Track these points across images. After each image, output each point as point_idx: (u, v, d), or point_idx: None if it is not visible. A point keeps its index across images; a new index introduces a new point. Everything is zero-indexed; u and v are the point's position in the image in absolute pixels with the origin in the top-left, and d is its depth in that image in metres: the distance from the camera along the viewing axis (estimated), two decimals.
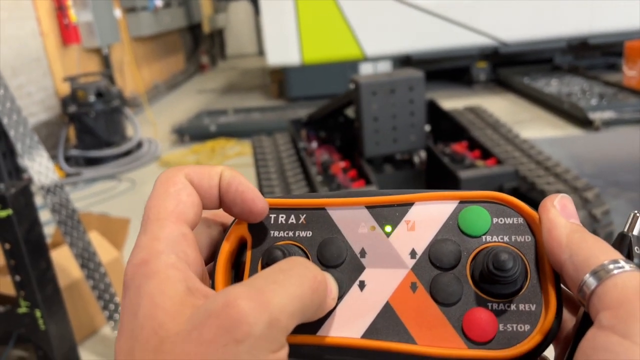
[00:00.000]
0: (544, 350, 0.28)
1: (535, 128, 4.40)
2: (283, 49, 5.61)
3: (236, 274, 0.34)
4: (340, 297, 0.31)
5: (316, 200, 0.33)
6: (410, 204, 0.32)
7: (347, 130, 3.00)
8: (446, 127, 2.95)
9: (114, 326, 2.00)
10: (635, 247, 0.28)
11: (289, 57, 5.65)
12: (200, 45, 9.94)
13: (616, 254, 0.26)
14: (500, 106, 5.23)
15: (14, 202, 1.54)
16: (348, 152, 2.86)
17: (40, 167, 1.83)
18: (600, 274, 0.25)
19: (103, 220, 2.57)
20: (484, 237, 0.31)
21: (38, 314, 1.65)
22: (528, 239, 0.30)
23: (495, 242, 0.30)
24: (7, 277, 1.94)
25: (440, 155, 2.58)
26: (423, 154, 2.79)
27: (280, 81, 6.38)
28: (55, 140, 4.71)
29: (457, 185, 2.40)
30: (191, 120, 5.36)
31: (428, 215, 0.32)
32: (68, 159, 4.54)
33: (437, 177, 2.66)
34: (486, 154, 2.59)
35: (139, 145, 4.83)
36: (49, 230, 2.89)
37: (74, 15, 5.14)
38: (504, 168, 2.43)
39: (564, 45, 5.60)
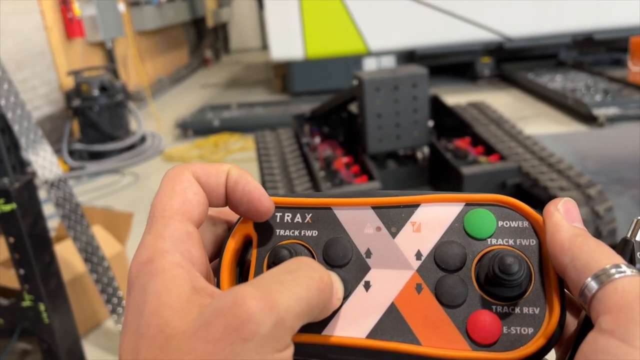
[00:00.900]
0: (547, 354, 0.29)
1: (539, 124, 4.39)
2: (287, 43, 5.60)
3: (241, 272, 0.34)
4: (345, 297, 0.31)
5: (322, 200, 0.33)
6: (417, 206, 0.32)
7: (350, 126, 3.00)
8: (449, 122, 2.95)
9: (117, 319, 2.01)
10: (638, 253, 0.28)
11: (292, 52, 5.65)
12: (204, 39, 9.93)
13: (618, 259, 0.26)
14: (504, 102, 5.21)
15: (18, 196, 1.54)
16: (351, 147, 2.86)
17: (44, 162, 1.84)
18: (602, 277, 0.26)
19: (106, 215, 2.59)
20: (489, 239, 0.31)
21: (42, 307, 1.66)
22: (533, 242, 0.30)
23: (500, 245, 0.31)
24: (11, 271, 1.95)
25: (443, 151, 2.58)
26: (426, 149, 2.79)
27: (284, 76, 6.38)
28: (59, 134, 4.73)
29: (460, 181, 2.40)
30: (194, 114, 5.36)
31: (434, 217, 0.32)
32: (72, 153, 4.55)
33: (440, 173, 2.65)
34: (489, 150, 2.59)
35: (143, 139, 4.84)
36: (53, 224, 2.90)
37: (77, 9, 5.15)
38: (507, 164, 2.42)
39: (568, 40, 5.57)
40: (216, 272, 0.32)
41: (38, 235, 1.63)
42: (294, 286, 0.26)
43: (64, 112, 4.91)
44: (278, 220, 0.34)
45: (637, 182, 2.79)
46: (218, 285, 0.32)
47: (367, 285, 0.31)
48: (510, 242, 0.30)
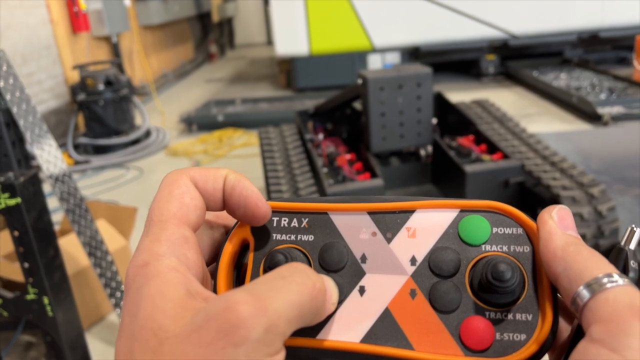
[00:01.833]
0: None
1: (544, 122, 4.38)
2: (292, 39, 5.59)
3: (238, 275, 0.34)
4: (340, 302, 0.31)
5: (319, 205, 0.34)
6: (412, 212, 0.32)
7: (354, 123, 3.01)
8: (453, 120, 2.95)
9: (120, 313, 2.02)
10: (631, 261, 0.28)
11: (297, 48, 5.64)
12: (209, 34, 9.93)
13: (611, 268, 0.26)
14: (508, 99, 5.21)
15: (23, 190, 1.56)
16: (354, 144, 2.86)
17: (49, 156, 1.85)
18: (594, 287, 0.26)
19: (111, 209, 2.60)
20: (483, 246, 0.31)
21: (46, 300, 1.68)
22: (527, 249, 0.30)
23: (494, 251, 0.31)
24: (16, 264, 1.97)
25: (446, 149, 2.58)
26: (429, 147, 2.79)
27: (288, 71, 6.38)
28: (65, 128, 4.75)
29: (463, 179, 2.40)
30: (199, 109, 5.37)
31: (429, 223, 0.32)
32: (77, 147, 4.57)
33: (443, 170, 2.66)
34: (493, 148, 2.59)
35: (147, 134, 4.85)
36: (57, 217, 2.92)
37: (83, 3, 5.16)
38: (509, 162, 2.42)
39: (574, 38, 5.55)
40: (213, 275, 0.33)
41: (42, 229, 1.64)
42: (287, 292, 0.26)
43: (69, 106, 4.93)
44: (275, 224, 0.34)
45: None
46: (215, 289, 0.32)
47: (362, 290, 0.31)
48: (504, 248, 0.31)
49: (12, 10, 4.30)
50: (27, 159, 1.89)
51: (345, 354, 0.30)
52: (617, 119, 4.08)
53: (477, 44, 5.66)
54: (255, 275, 0.33)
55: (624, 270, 0.28)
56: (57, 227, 2.37)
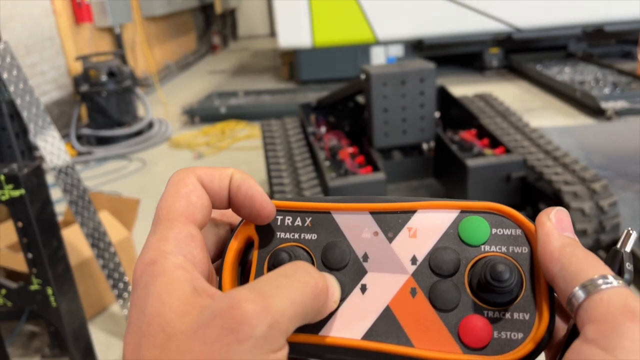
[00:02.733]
0: (535, 358, 0.29)
1: (547, 116, 4.37)
2: (295, 31, 5.58)
3: (242, 272, 0.35)
4: (342, 300, 0.32)
5: (322, 204, 0.34)
6: (413, 212, 0.33)
7: (357, 116, 3.00)
8: (456, 114, 2.94)
9: (122, 304, 2.04)
10: (627, 263, 0.29)
11: (300, 40, 5.63)
12: (212, 25, 9.91)
13: (606, 269, 0.27)
14: (511, 93, 5.19)
15: (27, 182, 1.57)
16: (357, 137, 2.86)
17: (53, 148, 1.86)
18: (589, 288, 0.26)
19: (113, 200, 2.61)
20: (482, 246, 0.31)
21: (49, 291, 1.69)
22: (525, 250, 0.31)
23: (493, 252, 0.31)
24: (19, 254, 1.98)
25: (448, 143, 2.58)
26: (432, 141, 2.79)
27: (291, 63, 6.37)
28: (68, 119, 4.75)
29: (465, 174, 2.40)
30: (202, 101, 5.38)
31: (429, 223, 0.33)
32: (80, 138, 4.58)
33: (445, 164, 2.66)
34: (495, 143, 2.59)
35: (150, 125, 4.86)
36: (61, 208, 2.93)
37: None
38: (512, 157, 2.42)
39: (578, 32, 5.53)
40: (219, 271, 0.34)
41: (46, 220, 1.65)
42: (289, 290, 0.27)
43: (72, 97, 4.93)
44: (279, 223, 0.35)
45: None
46: (220, 285, 0.33)
47: (364, 288, 0.32)
48: (503, 249, 0.31)
49: (15, 1, 4.29)
50: (30, 150, 1.90)
51: (346, 350, 0.31)
52: (620, 113, 4.07)
53: (481, 37, 5.64)
54: (259, 272, 0.34)
55: (620, 272, 0.29)
56: (60, 218, 2.39)
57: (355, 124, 3.01)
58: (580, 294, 0.26)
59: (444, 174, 2.72)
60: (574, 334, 0.27)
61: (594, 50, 5.81)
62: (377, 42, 5.64)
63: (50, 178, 2.10)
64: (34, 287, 1.70)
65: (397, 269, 0.32)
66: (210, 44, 9.87)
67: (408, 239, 0.32)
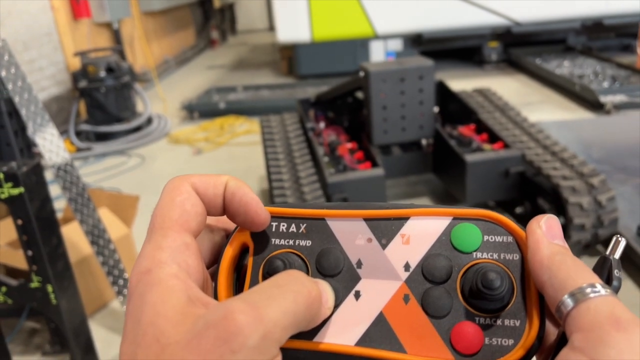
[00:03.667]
0: None
1: (546, 110, 4.37)
2: (293, 26, 5.57)
3: (238, 278, 0.35)
4: (336, 306, 0.32)
5: (316, 211, 0.35)
6: (406, 218, 0.33)
7: (356, 111, 3.00)
8: (455, 109, 2.94)
9: (122, 301, 2.05)
10: (615, 270, 0.29)
11: (299, 34, 5.62)
12: (210, 20, 9.88)
13: (594, 278, 0.27)
14: (511, 87, 5.19)
15: (26, 180, 1.57)
16: (356, 132, 2.86)
17: (52, 146, 1.86)
18: (577, 296, 0.27)
19: (113, 197, 2.61)
20: (474, 253, 0.32)
21: (50, 288, 1.69)
22: (516, 257, 0.31)
23: (485, 259, 0.31)
24: (19, 251, 1.99)
25: (447, 138, 2.58)
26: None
27: (290, 58, 6.36)
28: (67, 115, 4.75)
29: (464, 169, 2.41)
30: (200, 96, 5.37)
31: (422, 229, 0.33)
32: (79, 134, 4.58)
33: (444, 160, 2.66)
34: (493, 138, 2.59)
35: (149, 121, 4.85)
36: (60, 204, 2.94)
37: None
38: (510, 152, 2.43)
39: (577, 25, 5.51)
40: (214, 277, 0.34)
41: (45, 218, 1.66)
42: (282, 300, 0.27)
43: (70, 93, 4.92)
44: (274, 229, 0.35)
45: None
46: (215, 292, 0.33)
47: (358, 295, 0.32)
48: (495, 256, 0.31)
49: None
50: (29, 147, 1.91)
51: (340, 356, 0.31)
52: (619, 107, 4.07)
53: (480, 31, 5.63)
54: (254, 279, 0.34)
55: (608, 279, 0.29)
56: (60, 215, 2.39)
57: (354, 120, 3.01)
58: (568, 302, 0.27)
59: (442, 169, 2.73)
60: (562, 341, 0.28)
61: (593, 44, 5.80)
62: (376, 37, 5.63)
63: (49, 175, 2.11)
64: (34, 284, 1.70)
65: (390, 275, 0.32)
66: (209, 38, 9.84)
67: (401, 245, 0.33)
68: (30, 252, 1.66)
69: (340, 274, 0.33)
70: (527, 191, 2.49)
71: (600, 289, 0.27)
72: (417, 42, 5.67)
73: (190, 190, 0.32)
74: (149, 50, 6.70)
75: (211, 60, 8.66)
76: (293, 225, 0.35)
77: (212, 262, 0.35)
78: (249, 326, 0.25)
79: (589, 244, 2.26)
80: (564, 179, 2.26)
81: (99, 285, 2.26)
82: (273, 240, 0.35)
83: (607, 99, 4.04)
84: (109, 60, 4.53)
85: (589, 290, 0.27)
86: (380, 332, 0.31)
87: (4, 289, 1.74)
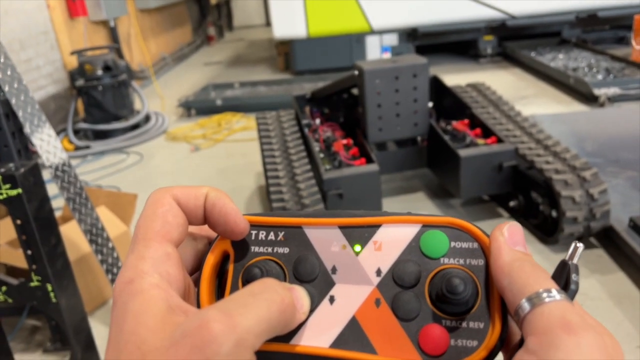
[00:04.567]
0: None
1: (540, 104, 4.38)
2: (289, 21, 5.58)
3: (219, 283, 0.37)
4: (312, 310, 0.34)
5: (294, 219, 0.36)
6: (378, 226, 0.35)
7: (351, 107, 3.02)
8: (449, 103, 2.97)
9: None
10: (573, 275, 0.30)
11: (295, 30, 5.63)
12: (207, 16, 9.88)
13: (551, 283, 0.29)
14: (506, 80, 5.20)
15: (24, 181, 1.59)
16: (351, 128, 2.88)
17: (49, 147, 1.88)
18: (534, 300, 0.28)
19: (111, 195, 2.64)
20: (442, 259, 0.33)
21: (49, 287, 1.72)
22: (481, 262, 0.33)
23: (451, 264, 0.33)
24: (19, 250, 2.01)
25: (441, 133, 2.60)
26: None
27: (287, 54, 6.36)
28: (64, 113, 4.77)
29: (457, 164, 2.43)
30: (198, 93, 5.38)
31: (393, 236, 0.34)
32: (77, 132, 4.60)
33: (438, 154, 2.68)
34: (487, 132, 2.61)
35: (147, 118, 4.87)
36: (58, 203, 2.96)
37: None
38: (503, 147, 2.45)
39: (572, 18, 5.52)
40: (197, 283, 0.36)
41: (44, 218, 1.68)
42: (256, 308, 0.28)
43: (68, 91, 4.94)
44: (253, 237, 0.36)
45: (633, 163, 2.81)
46: (198, 297, 0.35)
47: (332, 299, 0.34)
48: (461, 261, 0.33)
49: None
50: (26, 148, 1.93)
51: (315, 358, 0.33)
52: (613, 99, 4.09)
53: (475, 25, 5.63)
54: (234, 285, 0.36)
55: (567, 283, 0.30)
56: (58, 213, 2.41)
57: (350, 115, 3.03)
58: (525, 306, 0.28)
59: (437, 164, 2.75)
60: (521, 343, 0.29)
61: (588, 36, 5.81)
62: (372, 32, 5.64)
63: (46, 174, 2.13)
64: (34, 283, 1.73)
65: (363, 280, 0.34)
66: (206, 35, 9.84)
67: (373, 252, 0.34)
68: (29, 252, 1.69)
69: (316, 279, 0.34)
70: (521, 185, 2.51)
71: (555, 294, 0.28)
72: (413, 37, 5.68)
73: (172, 202, 0.34)
74: (145, 48, 6.71)
75: (208, 56, 8.67)
76: (272, 233, 0.36)
77: (195, 269, 0.37)
78: (222, 334, 0.26)
79: (581, 236, 2.29)
80: (556, 172, 2.29)
81: (99, 282, 2.29)
82: (252, 247, 0.36)
83: (600, 92, 4.05)
84: (105, 59, 4.54)
85: (544, 295, 0.28)
86: (353, 334, 0.33)
87: (4, 288, 1.77)
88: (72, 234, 2.21)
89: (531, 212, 2.51)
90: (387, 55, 5.72)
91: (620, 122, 3.52)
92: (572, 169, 2.31)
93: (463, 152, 2.43)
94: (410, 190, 3.08)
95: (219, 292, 0.37)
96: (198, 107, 5.07)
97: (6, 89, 1.80)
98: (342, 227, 0.35)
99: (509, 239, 0.32)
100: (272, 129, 2.95)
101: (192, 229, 0.37)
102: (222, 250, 0.36)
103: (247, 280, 0.34)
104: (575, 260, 0.30)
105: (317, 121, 2.98)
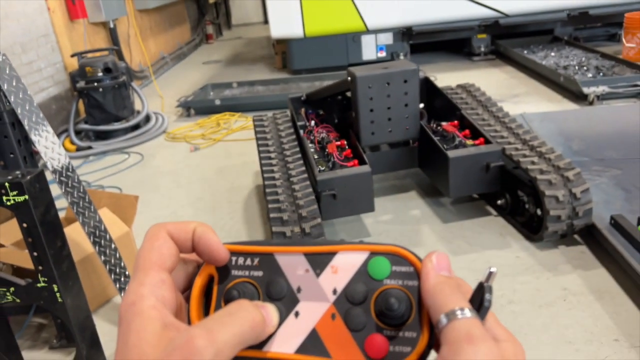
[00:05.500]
0: None
1: (531, 102, 4.46)
2: (286, 21, 5.65)
3: (207, 300, 0.44)
4: (280, 323, 0.41)
5: (267, 248, 0.44)
6: (335, 253, 0.42)
7: (345, 108, 3.10)
8: (440, 104, 3.05)
9: (123, 296, 2.16)
10: (487, 294, 0.36)
11: (292, 30, 5.71)
12: (205, 15, 9.93)
13: (464, 303, 0.35)
14: (498, 78, 5.28)
15: (30, 188, 1.68)
16: (345, 129, 2.96)
17: (53, 153, 1.97)
18: (450, 316, 0.35)
19: (113, 197, 2.72)
20: (385, 280, 0.40)
21: (55, 288, 1.80)
22: (415, 283, 0.40)
23: (392, 284, 0.40)
24: (25, 252, 2.09)
25: (431, 135, 2.69)
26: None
27: (284, 52, 6.44)
28: (66, 114, 4.85)
29: (446, 164, 2.51)
30: (197, 93, 5.46)
31: (347, 262, 0.42)
32: (78, 133, 4.68)
33: (429, 155, 2.77)
34: (476, 133, 2.70)
35: (147, 118, 4.95)
36: (61, 204, 3.05)
37: None
38: (491, 147, 2.54)
39: (564, 16, 5.59)
40: (188, 300, 0.45)
41: (50, 222, 1.76)
42: (230, 326, 0.36)
43: (69, 93, 5.02)
44: (233, 263, 0.44)
45: (618, 162, 2.89)
46: (188, 313, 0.44)
47: (297, 314, 0.41)
48: (400, 282, 0.40)
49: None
50: (32, 155, 2.02)
51: None
52: (602, 98, 4.16)
53: (468, 24, 5.70)
54: (218, 304, 0.43)
55: (481, 302, 0.36)
56: (61, 214, 2.50)
57: (344, 117, 3.11)
58: (443, 320, 0.35)
59: (427, 164, 2.84)
60: None
61: (580, 34, 5.88)
62: (367, 31, 5.71)
63: (48, 175, 2.21)
64: (41, 284, 1.81)
65: (322, 298, 0.41)
66: (204, 33, 9.90)
67: (331, 274, 0.42)
68: (35, 254, 1.77)
69: (284, 298, 0.42)
70: (508, 184, 2.60)
71: (467, 312, 0.35)
72: (408, 36, 5.75)
73: (166, 236, 0.42)
74: (144, 48, 6.78)
75: (207, 55, 8.73)
76: (248, 259, 0.44)
77: (187, 287, 0.46)
78: (204, 347, 0.34)
79: (565, 234, 2.37)
80: (541, 172, 2.37)
81: (102, 282, 2.38)
82: (232, 271, 0.44)
83: (590, 90, 4.12)
84: (106, 61, 4.62)
85: (458, 312, 0.35)
86: (313, 342, 0.40)
87: (12, 289, 1.85)
88: (75, 235, 2.29)
89: (518, 211, 2.60)
90: (383, 54, 5.81)
91: (607, 120, 3.59)
92: (557, 169, 2.39)
93: (452, 153, 2.51)
94: (403, 189, 3.17)
95: (206, 308, 0.45)
96: (197, 107, 5.15)
97: (12, 99, 1.89)
98: (306, 254, 0.43)
99: (437, 265, 0.39)
100: (269, 130, 3.04)
101: (183, 255, 0.45)
102: (207, 274, 0.45)
103: (227, 300, 0.42)
104: (490, 282, 0.37)
105: (312, 123, 3.07)
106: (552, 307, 2.06)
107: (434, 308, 0.36)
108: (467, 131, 2.75)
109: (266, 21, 9.95)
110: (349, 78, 2.67)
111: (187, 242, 0.42)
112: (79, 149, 4.48)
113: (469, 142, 2.66)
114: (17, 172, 1.72)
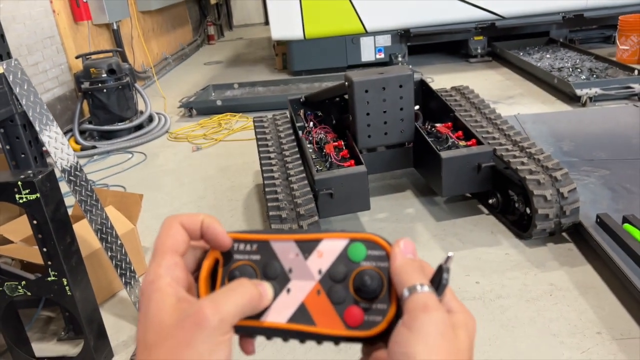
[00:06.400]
0: (389, 333, 0.43)
1: (526, 103, 4.54)
2: (286, 23, 5.75)
3: (213, 280, 0.51)
4: (274, 298, 0.48)
5: (264, 236, 0.50)
6: (320, 240, 0.49)
7: (343, 110, 3.19)
8: (434, 106, 3.14)
9: (129, 291, 2.25)
10: (444, 274, 0.43)
11: (292, 32, 5.80)
12: (207, 16, 10.02)
13: (424, 280, 0.43)
14: (494, 80, 5.35)
15: (41, 186, 1.77)
16: (343, 130, 3.05)
17: (62, 154, 2.06)
18: (411, 290, 0.42)
19: (118, 196, 2.81)
20: (361, 262, 0.47)
21: (65, 281, 1.90)
22: (386, 264, 0.47)
23: (367, 266, 0.47)
24: (34, 247, 2.19)
25: (425, 136, 2.78)
26: None
27: (285, 54, 6.52)
28: (70, 114, 4.94)
29: (439, 164, 2.61)
30: (199, 94, 5.54)
31: (330, 247, 0.49)
32: (83, 133, 4.77)
33: (423, 155, 2.86)
34: (468, 134, 2.79)
35: (150, 119, 5.04)
36: (69, 201, 3.14)
37: None
38: (482, 148, 2.63)
39: (559, 18, 5.67)
40: (197, 280, 0.52)
41: (59, 220, 1.86)
42: (233, 298, 0.43)
43: (74, 93, 5.11)
44: (235, 248, 0.51)
45: (606, 162, 2.98)
46: (197, 290, 0.49)
47: (289, 291, 0.48)
48: (374, 264, 0.47)
49: (15, 2, 4.46)
50: (42, 155, 2.11)
51: (276, 330, 0.48)
52: (595, 99, 4.23)
53: (465, 26, 5.78)
54: (222, 282, 0.50)
55: (440, 281, 0.43)
56: (69, 211, 2.58)
57: (342, 118, 3.20)
58: (405, 293, 0.42)
59: (422, 165, 2.93)
60: None
61: (575, 36, 5.95)
62: (366, 33, 5.80)
63: (58, 172, 2.30)
64: (51, 278, 1.90)
65: (309, 277, 0.48)
66: (206, 34, 9.98)
67: (317, 258, 0.49)
68: (46, 249, 1.86)
69: (277, 277, 0.49)
70: (499, 184, 2.69)
71: (425, 287, 0.42)
72: (406, 38, 5.83)
73: (179, 226, 0.48)
74: (147, 49, 6.87)
75: (209, 56, 8.81)
76: (248, 245, 0.51)
77: (196, 269, 0.51)
78: (211, 315, 0.41)
79: (553, 232, 2.47)
80: (530, 172, 2.46)
81: (109, 276, 2.47)
82: (235, 255, 0.51)
83: (582, 92, 4.19)
84: (110, 62, 4.71)
85: (418, 287, 0.42)
86: (301, 314, 0.47)
87: (23, 283, 1.94)
88: (83, 231, 2.38)
89: (508, 209, 2.70)
90: (381, 56, 5.90)
91: (597, 122, 3.67)
92: (545, 169, 2.48)
93: (445, 154, 2.60)
94: (398, 188, 3.26)
95: (212, 287, 0.53)
96: (199, 107, 5.24)
97: (23, 102, 1.99)
98: (297, 241, 0.50)
99: (403, 249, 0.46)
100: (268, 131, 3.13)
101: (193, 242, 0.53)
102: (213, 257, 0.52)
103: (230, 279, 0.50)
104: (448, 265, 0.44)
105: (311, 124, 3.16)
106: (539, 301, 2.15)
107: (399, 284, 0.44)
108: (460, 132, 2.84)
109: (267, 22, 10.03)
110: (346, 82, 2.76)
111: (197, 231, 0.50)
112: (83, 148, 4.57)
113: (462, 143, 2.75)
114: (29, 172, 1.82)
